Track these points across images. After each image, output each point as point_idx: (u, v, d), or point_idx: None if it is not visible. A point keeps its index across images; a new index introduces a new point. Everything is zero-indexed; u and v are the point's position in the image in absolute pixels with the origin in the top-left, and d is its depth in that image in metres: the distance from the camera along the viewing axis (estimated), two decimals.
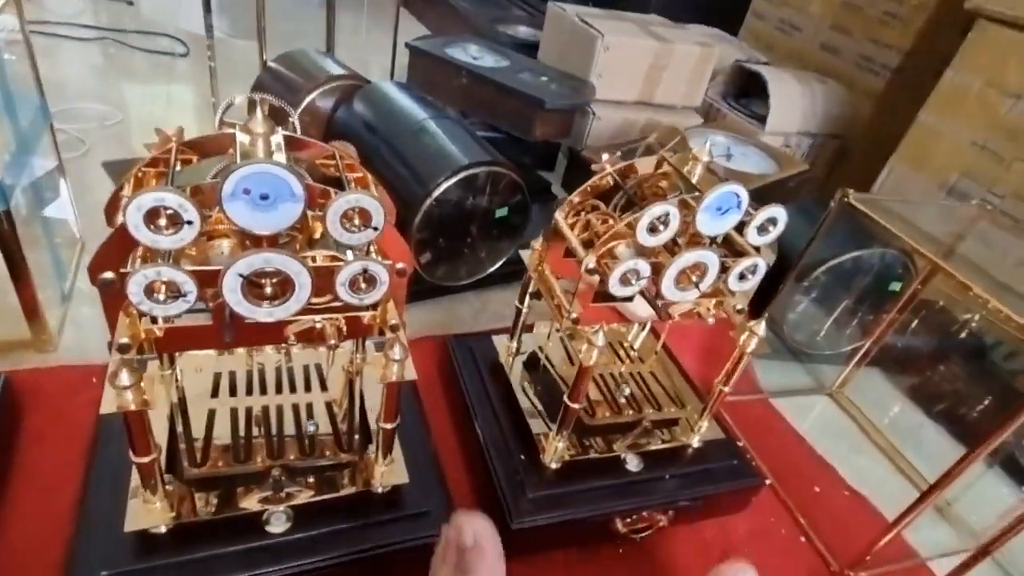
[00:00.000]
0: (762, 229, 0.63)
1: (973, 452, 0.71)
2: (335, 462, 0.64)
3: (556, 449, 0.72)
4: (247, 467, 0.61)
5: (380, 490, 0.64)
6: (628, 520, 0.73)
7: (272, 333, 0.53)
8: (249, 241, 0.52)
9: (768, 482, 0.90)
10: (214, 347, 0.52)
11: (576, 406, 0.68)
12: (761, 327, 0.70)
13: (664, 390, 0.83)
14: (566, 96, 1.44)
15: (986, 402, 1.20)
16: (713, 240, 0.67)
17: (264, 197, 0.45)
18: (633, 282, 0.61)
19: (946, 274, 0.76)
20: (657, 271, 0.62)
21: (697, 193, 0.60)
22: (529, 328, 0.86)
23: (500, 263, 1.13)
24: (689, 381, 0.87)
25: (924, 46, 1.75)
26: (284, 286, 0.50)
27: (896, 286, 1.07)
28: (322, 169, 0.61)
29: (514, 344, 0.85)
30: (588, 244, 0.68)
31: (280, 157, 0.49)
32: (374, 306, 0.55)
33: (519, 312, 0.82)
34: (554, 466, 0.73)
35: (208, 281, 0.47)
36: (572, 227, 0.68)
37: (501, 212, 1.06)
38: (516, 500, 0.69)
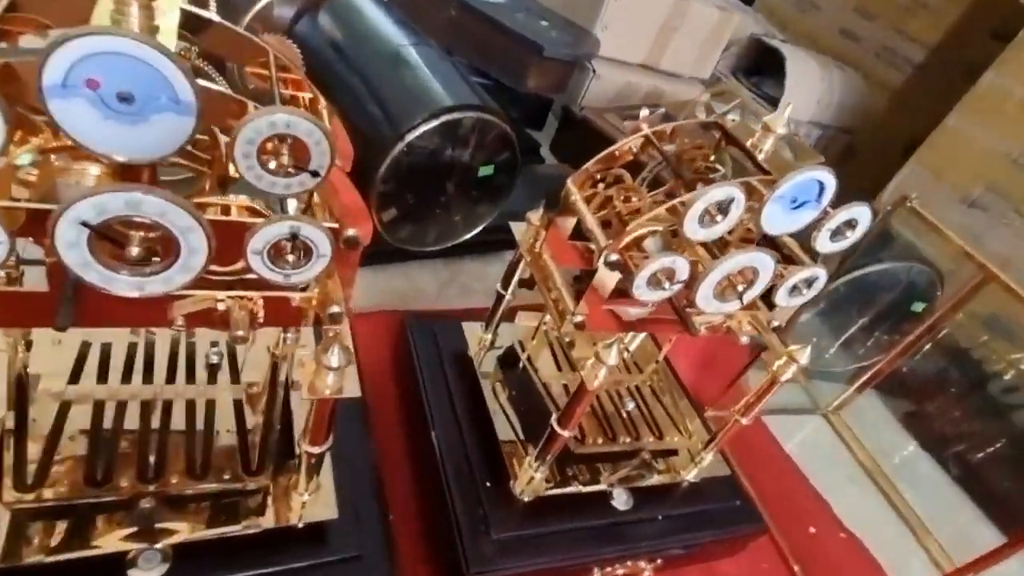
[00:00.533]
0: (837, 233, 0.48)
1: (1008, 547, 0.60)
2: (236, 487, 0.47)
3: (531, 480, 0.57)
4: (105, 492, 0.43)
5: (299, 526, 0.48)
6: (607, 570, 0.60)
7: (146, 312, 0.36)
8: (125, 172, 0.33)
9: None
10: (45, 325, 0.34)
11: (566, 434, 0.52)
12: (805, 355, 0.56)
13: (665, 411, 0.68)
14: (567, 45, 1.25)
15: (980, 437, 1.12)
16: (765, 239, 0.52)
17: (124, 99, 0.27)
18: (666, 285, 0.46)
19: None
20: (694, 274, 0.47)
21: (768, 177, 0.44)
22: (510, 317, 0.70)
23: (477, 230, 0.95)
24: (691, 400, 0.73)
25: (953, 44, 1.62)
26: (167, 246, 0.32)
27: (919, 306, 0.95)
28: (256, 80, 0.43)
29: (489, 335, 0.69)
30: (605, 226, 0.52)
31: (167, 40, 0.31)
32: (314, 284, 0.38)
33: (500, 299, 0.66)
34: (526, 499, 0.58)
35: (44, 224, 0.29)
36: (587, 203, 0.52)
37: (486, 170, 0.88)
38: (476, 542, 0.54)
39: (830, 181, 0.44)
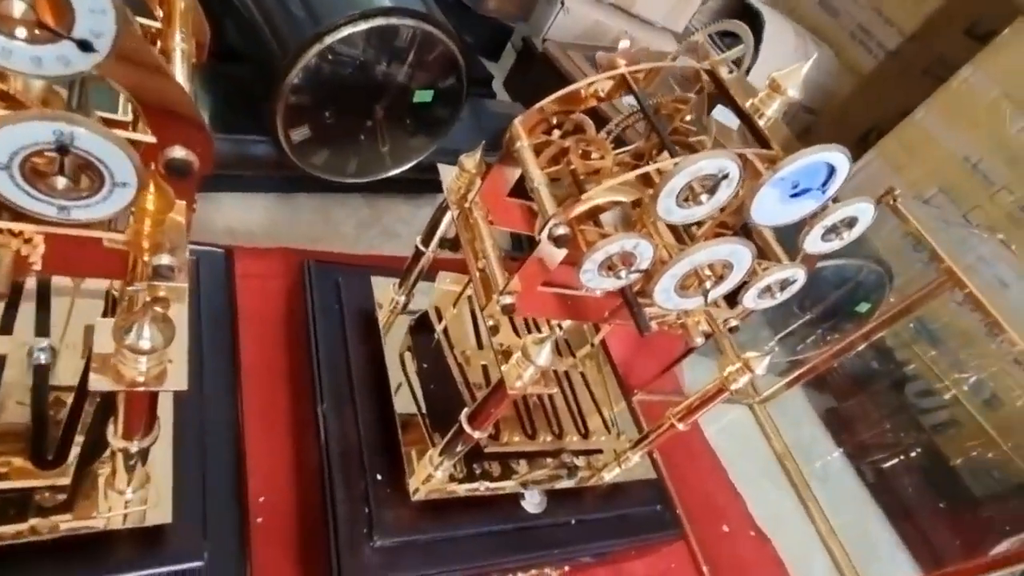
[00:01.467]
0: (832, 231, 0.40)
1: None
2: (27, 485, 0.35)
3: (430, 477, 0.48)
4: None
5: (118, 529, 0.37)
6: None
7: None
8: None
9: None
10: None
11: (477, 435, 0.43)
12: (762, 365, 0.48)
13: (595, 403, 0.60)
14: None
15: (891, 441, 1.13)
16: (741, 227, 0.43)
17: None
18: (622, 274, 0.36)
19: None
20: (655, 261, 0.38)
21: (770, 152, 0.34)
22: (431, 275, 0.59)
23: (408, 166, 0.82)
24: (625, 393, 0.65)
25: (928, 34, 1.57)
26: None
27: (864, 307, 0.91)
28: None
29: (402, 295, 0.58)
30: (559, 186, 0.41)
31: None
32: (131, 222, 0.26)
33: (419, 255, 0.54)
34: (422, 498, 0.49)
35: None
36: (537, 153, 0.41)
37: (423, 95, 0.74)
38: (354, 548, 0.45)
39: (843, 167, 0.34)
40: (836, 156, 0.34)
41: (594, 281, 0.37)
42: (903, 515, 0.98)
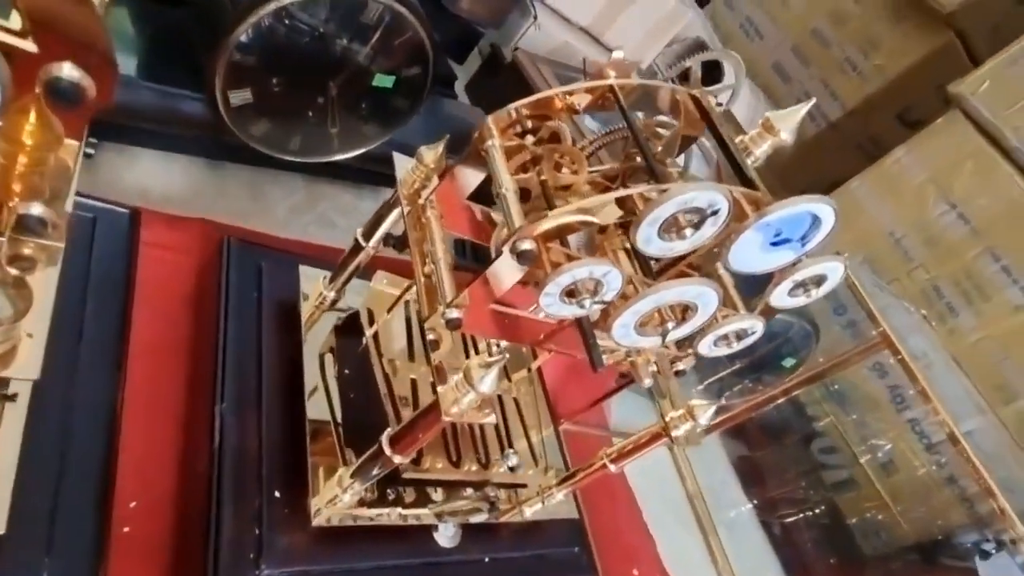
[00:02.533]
0: (800, 287, 0.38)
1: None
2: None
3: (337, 499, 0.42)
4: None
5: None
6: None
7: None
8: None
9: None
10: None
11: (398, 460, 0.38)
12: (707, 415, 0.46)
13: (525, 433, 0.57)
14: None
15: (795, 493, 1.16)
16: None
17: None
18: (586, 303, 0.33)
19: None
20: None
21: (757, 193, 0.32)
22: (367, 272, 0.54)
23: (355, 153, 0.77)
24: (555, 423, 0.62)
25: (865, 113, 1.67)
26: None
27: (790, 362, 0.93)
28: None
29: (332, 291, 0.52)
30: (524, 197, 0.37)
31: None
32: None
33: (357, 249, 0.49)
34: (323, 523, 0.43)
35: None
36: (507, 157, 0.37)
37: (384, 80, 0.69)
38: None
39: (828, 220, 0.33)
40: (824, 208, 0.32)
41: (554, 307, 0.33)
42: (800, 569, 1.01)
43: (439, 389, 0.34)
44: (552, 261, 0.33)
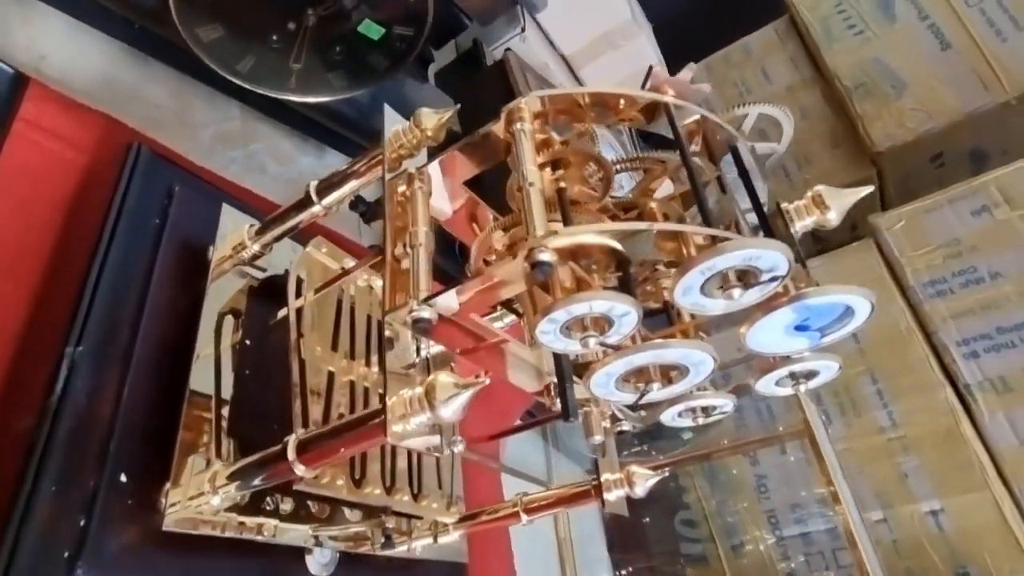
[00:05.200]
0: (791, 377, 0.35)
1: None
2: None
3: (200, 497, 0.33)
4: None
5: None
6: None
7: None
8: None
9: None
10: None
11: (301, 471, 0.30)
12: (645, 486, 0.42)
13: (437, 461, 0.50)
14: None
15: (651, 555, 1.17)
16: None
17: None
18: (590, 341, 0.27)
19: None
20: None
21: (803, 270, 0.29)
22: (305, 234, 0.45)
23: (311, 100, 0.67)
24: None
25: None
26: None
27: (688, 434, 0.93)
28: None
29: (257, 244, 0.43)
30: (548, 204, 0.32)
31: None
32: None
33: (305, 204, 0.40)
34: (172, 525, 0.34)
35: None
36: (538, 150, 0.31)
37: (371, 30, 0.61)
38: None
39: (862, 316, 0.30)
40: (862, 303, 0.29)
41: (549, 336, 0.28)
42: None
43: (388, 400, 0.27)
44: (563, 287, 0.28)
